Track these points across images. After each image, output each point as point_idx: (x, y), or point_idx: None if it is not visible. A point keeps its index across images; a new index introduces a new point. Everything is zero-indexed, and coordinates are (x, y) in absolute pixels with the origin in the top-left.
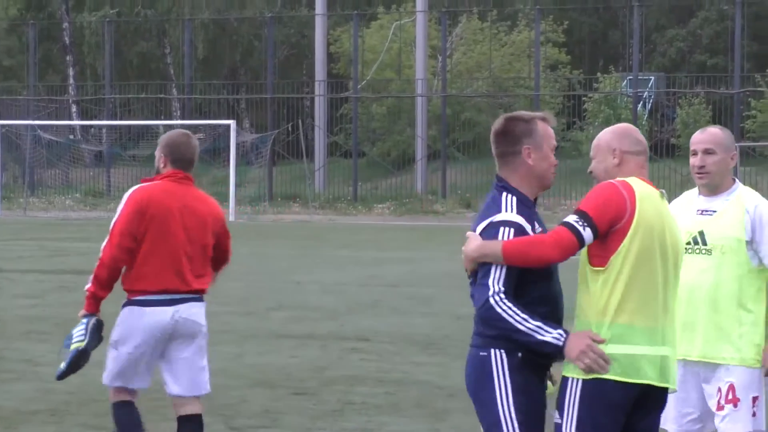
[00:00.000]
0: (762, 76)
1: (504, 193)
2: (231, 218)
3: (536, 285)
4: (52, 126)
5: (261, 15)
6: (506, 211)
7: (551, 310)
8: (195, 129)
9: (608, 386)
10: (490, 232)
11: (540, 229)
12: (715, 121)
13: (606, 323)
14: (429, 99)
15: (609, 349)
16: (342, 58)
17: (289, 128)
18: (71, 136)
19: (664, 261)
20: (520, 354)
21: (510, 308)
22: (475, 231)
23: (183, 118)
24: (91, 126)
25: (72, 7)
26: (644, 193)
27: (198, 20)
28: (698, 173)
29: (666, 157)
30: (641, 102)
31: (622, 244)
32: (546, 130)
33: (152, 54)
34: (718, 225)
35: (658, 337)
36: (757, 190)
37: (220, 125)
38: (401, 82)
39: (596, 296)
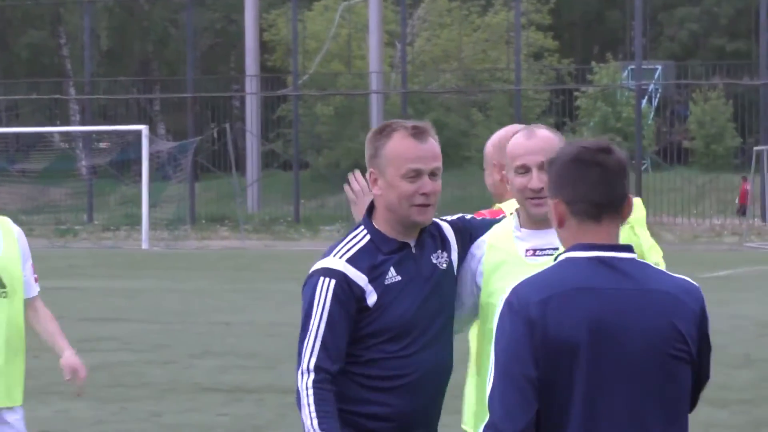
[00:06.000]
0: None
1: (358, 230)
2: (144, 246)
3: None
4: None
5: None
6: (334, 255)
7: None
8: (98, 136)
9: None
10: (307, 283)
11: (398, 278)
12: (737, 118)
13: None
14: (386, 96)
15: None
16: (278, 47)
17: (215, 134)
18: None
19: None
20: None
21: None
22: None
23: (83, 123)
24: None
25: None
26: None
27: (100, 3)
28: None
29: (678, 164)
30: (646, 97)
31: None
32: (397, 148)
33: (45, 45)
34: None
35: None
36: None
37: (129, 132)
38: (352, 77)
39: None
